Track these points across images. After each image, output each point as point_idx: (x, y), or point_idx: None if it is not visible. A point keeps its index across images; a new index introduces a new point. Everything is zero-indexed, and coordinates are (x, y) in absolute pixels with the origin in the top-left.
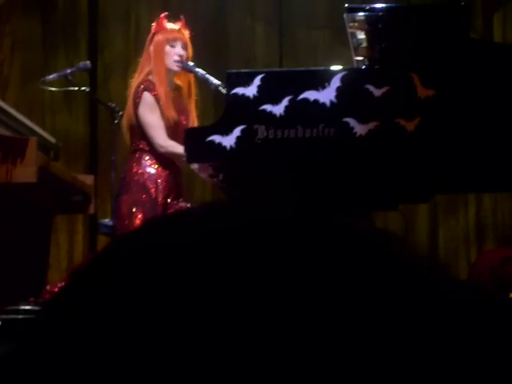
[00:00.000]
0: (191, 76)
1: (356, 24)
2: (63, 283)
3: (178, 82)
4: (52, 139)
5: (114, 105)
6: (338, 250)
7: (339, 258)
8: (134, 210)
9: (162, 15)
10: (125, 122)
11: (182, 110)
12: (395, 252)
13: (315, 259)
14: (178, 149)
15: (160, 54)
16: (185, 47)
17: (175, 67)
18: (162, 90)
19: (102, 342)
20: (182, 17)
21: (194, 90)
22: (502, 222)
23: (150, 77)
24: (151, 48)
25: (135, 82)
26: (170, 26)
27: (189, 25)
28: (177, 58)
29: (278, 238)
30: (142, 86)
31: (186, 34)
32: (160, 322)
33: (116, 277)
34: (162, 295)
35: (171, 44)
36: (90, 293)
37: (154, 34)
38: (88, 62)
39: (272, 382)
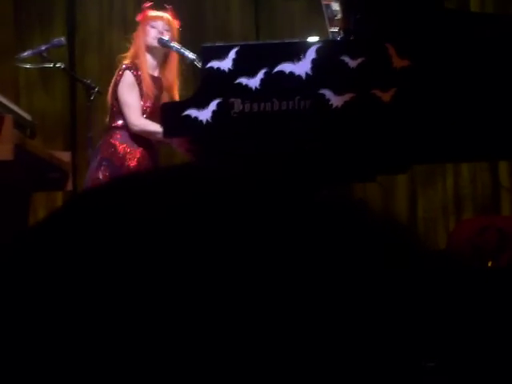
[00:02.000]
0: (174, 56)
1: None
2: None
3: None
4: (28, 117)
5: (89, 81)
6: (310, 227)
7: (312, 236)
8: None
9: (146, 5)
10: (108, 99)
11: (162, 88)
12: (367, 223)
13: (284, 236)
14: (152, 127)
15: (140, 35)
16: (168, 29)
17: (153, 43)
18: (144, 69)
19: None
20: (169, 7)
21: (175, 70)
22: (481, 193)
23: (134, 58)
24: (136, 33)
25: (119, 63)
26: (154, 13)
27: (171, 11)
28: (154, 34)
29: (241, 208)
30: (125, 65)
31: (173, 20)
32: (105, 287)
33: (73, 236)
34: (113, 257)
35: (152, 24)
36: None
37: (140, 20)
38: (62, 39)
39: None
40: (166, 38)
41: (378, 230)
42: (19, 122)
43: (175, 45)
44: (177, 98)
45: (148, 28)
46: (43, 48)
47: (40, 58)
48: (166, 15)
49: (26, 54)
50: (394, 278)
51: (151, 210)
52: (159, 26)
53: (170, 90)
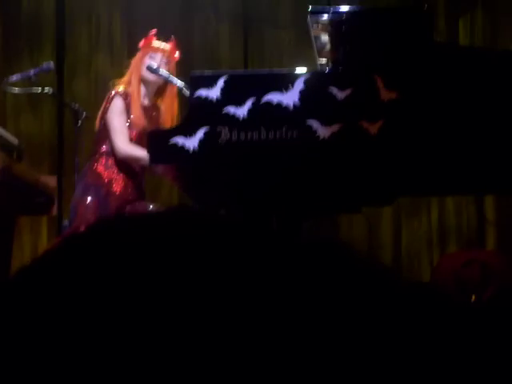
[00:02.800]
0: (169, 87)
1: (319, 26)
2: None
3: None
4: (15, 140)
5: (77, 106)
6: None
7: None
8: (87, 210)
9: (151, 33)
10: (96, 124)
11: (156, 119)
12: (346, 263)
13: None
14: (137, 152)
15: (137, 64)
16: (166, 61)
17: (148, 75)
18: (135, 99)
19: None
20: (172, 37)
21: (169, 101)
22: (466, 226)
23: (127, 86)
24: (133, 60)
25: (112, 89)
26: (157, 42)
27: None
28: (148, 66)
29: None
30: (115, 91)
31: (174, 53)
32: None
33: (61, 279)
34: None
35: (151, 55)
36: (33, 290)
37: (140, 49)
38: (51, 63)
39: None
40: (154, 65)
41: (359, 274)
42: (6, 146)
43: (163, 72)
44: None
45: (146, 58)
46: (32, 72)
47: (28, 82)
48: (167, 47)
49: (14, 78)
50: (374, 319)
51: (143, 252)
52: (158, 57)
53: (165, 122)
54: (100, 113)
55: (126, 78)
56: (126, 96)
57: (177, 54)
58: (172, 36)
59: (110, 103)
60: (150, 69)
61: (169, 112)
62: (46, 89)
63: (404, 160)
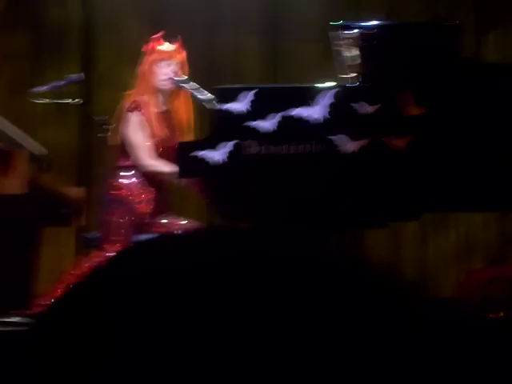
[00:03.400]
0: (182, 92)
1: (347, 41)
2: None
3: (171, 100)
4: (43, 151)
5: (104, 118)
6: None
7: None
8: (115, 224)
9: (156, 36)
10: (112, 139)
11: (173, 128)
12: (366, 277)
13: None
14: (162, 168)
15: (150, 73)
16: (177, 66)
17: (164, 86)
18: (150, 109)
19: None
20: (178, 36)
21: (184, 106)
22: (493, 242)
23: (139, 96)
24: (142, 68)
25: (127, 99)
26: (161, 46)
27: (181, 40)
28: (164, 77)
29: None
30: (130, 105)
31: (181, 54)
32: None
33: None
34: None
35: (161, 64)
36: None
37: (148, 54)
38: (81, 75)
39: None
40: (178, 78)
41: (377, 282)
42: (35, 156)
43: (188, 86)
44: (190, 131)
45: (157, 69)
46: (61, 83)
47: (57, 92)
48: (178, 53)
49: (43, 88)
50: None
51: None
52: (168, 64)
53: (181, 124)
54: (118, 127)
55: (138, 89)
56: (140, 108)
57: (184, 55)
58: (178, 36)
59: (126, 119)
60: (174, 83)
61: (185, 114)
62: (75, 100)
63: (431, 175)
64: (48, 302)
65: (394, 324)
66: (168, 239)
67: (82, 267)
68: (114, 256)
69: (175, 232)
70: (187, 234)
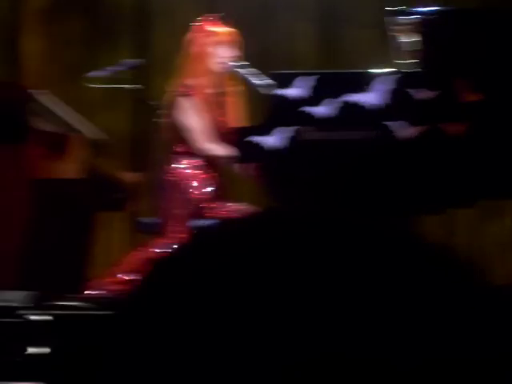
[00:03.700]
0: (236, 77)
1: (399, 27)
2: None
3: (224, 83)
4: (97, 136)
5: (157, 103)
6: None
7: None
8: (172, 209)
9: (208, 17)
10: (165, 123)
11: (224, 111)
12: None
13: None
14: (218, 151)
15: (203, 55)
16: (230, 49)
17: (219, 69)
18: (203, 92)
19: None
20: (228, 18)
21: (233, 88)
22: None
23: (192, 79)
24: (194, 49)
25: (176, 82)
26: (217, 28)
27: (234, 24)
28: (221, 60)
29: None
30: (181, 89)
31: (235, 37)
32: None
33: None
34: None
35: (215, 46)
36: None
37: (198, 35)
38: (137, 60)
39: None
40: (234, 63)
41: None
42: (88, 141)
43: (243, 70)
44: (235, 117)
45: (211, 50)
46: (116, 69)
47: (109, 78)
48: (231, 36)
49: (96, 73)
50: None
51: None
52: (223, 47)
53: (232, 108)
54: (170, 112)
55: (190, 72)
56: (193, 91)
57: (238, 39)
58: (228, 18)
59: (179, 101)
60: (230, 68)
61: (236, 99)
62: (128, 85)
63: (487, 162)
64: (103, 286)
65: (461, 298)
66: (228, 225)
67: (144, 252)
68: (181, 245)
69: (233, 217)
70: (247, 219)
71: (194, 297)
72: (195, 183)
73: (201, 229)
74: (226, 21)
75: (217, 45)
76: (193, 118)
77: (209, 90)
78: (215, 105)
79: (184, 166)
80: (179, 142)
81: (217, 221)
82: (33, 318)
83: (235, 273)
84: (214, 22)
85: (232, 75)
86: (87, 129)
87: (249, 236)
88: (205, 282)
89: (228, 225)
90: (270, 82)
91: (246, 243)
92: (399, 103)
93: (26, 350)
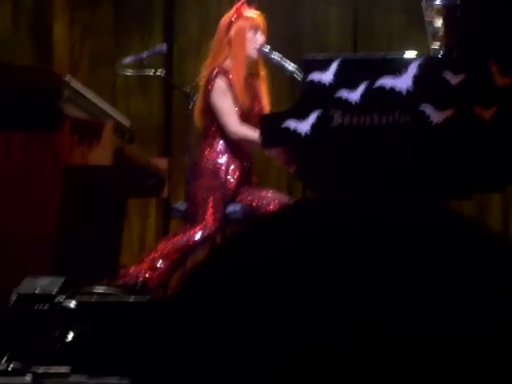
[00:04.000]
0: (260, 59)
1: (434, 11)
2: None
3: (257, 67)
4: (127, 123)
5: (188, 89)
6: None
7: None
8: (205, 195)
9: (241, 1)
10: (197, 107)
11: (255, 95)
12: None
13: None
14: (251, 135)
15: (242, 40)
16: (262, 33)
17: (254, 54)
18: (239, 76)
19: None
20: (256, 3)
21: (264, 74)
22: None
23: (227, 62)
24: (232, 33)
25: (209, 66)
26: (249, 12)
27: (263, 10)
28: (257, 45)
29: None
30: (215, 71)
31: (264, 22)
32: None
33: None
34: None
35: (253, 31)
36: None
37: (234, 19)
38: (164, 46)
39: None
40: (266, 48)
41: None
42: (119, 128)
43: (276, 56)
44: (267, 106)
45: (250, 35)
46: (145, 55)
47: (140, 64)
48: (261, 21)
49: (127, 60)
50: None
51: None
52: (258, 32)
53: (261, 93)
54: (201, 95)
55: (222, 54)
56: (226, 73)
57: (265, 23)
58: (255, 2)
59: (213, 85)
60: (262, 52)
61: (264, 81)
62: (159, 71)
63: None
64: (137, 273)
65: None
66: (265, 222)
67: (178, 239)
68: (223, 244)
69: (265, 207)
70: (284, 213)
71: (241, 296)
72: (228, 168)
73: (245, 226)
74: (255, 6)
75: (253, 29)
76: (226, 99)
77: (243, 74)
78: (249, 89)
79: (217, 151)
80: (212, 126)
81: (250, 207)
82: (67, 304)
83: (280, 271)
84: (246, 6)
85: (264, 60)
86: (115, 115)
87: (290, 231)
88: (251, 280)
89: (268, 220)
90: (295, 67)
91: (289, 239)
92: (428, 88)
93: (64, 337)
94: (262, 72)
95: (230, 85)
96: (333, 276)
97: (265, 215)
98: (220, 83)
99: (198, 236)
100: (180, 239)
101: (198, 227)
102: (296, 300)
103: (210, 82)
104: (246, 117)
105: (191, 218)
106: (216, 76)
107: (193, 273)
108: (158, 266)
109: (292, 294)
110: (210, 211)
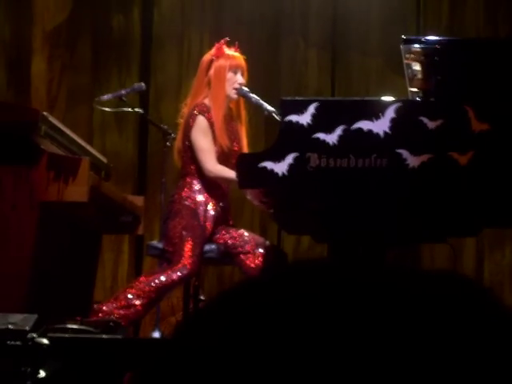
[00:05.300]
0: (241, 100)
1: (412, 55)
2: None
3: (230, 106)
4: (103, 159)
5: (165, 127)
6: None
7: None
8: (184, 234)
9: (222, 41)
10: (177, 146)
11: (235, 135)
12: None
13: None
14: (227, 173)
15: (222, 79)
16: (242, 74)
17: (234, 94)
18: (218, 115)
19: None
20: (236, 43)
21: (244, 115)
22: None
23: (206, 101)
24: (212, 73)
25: (189, 104)
26: (230, 52)
27: (241, 50)
28: (237, 85)
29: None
30: (196, 109)
31: (244, 62)
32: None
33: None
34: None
35: (233, 71)
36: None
37: (214, 59)
38: (143, 84)
39: None
40: (245, 89)
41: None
42: (95, 164)
43: (254, 96)
44: (245, 146)
45: (229, 75)
46: (123, 92)
47: (118, 101)
48: (241, 61)
49: (106, 97)
50: None
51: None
52: (238, 72)
53: (239, 133)
54: (181, 132)
55: (202, 93)
56: (207, 111)
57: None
58: (236, 43)
59: (193, 122)
60: (240, 92)
61: (243, 124)
62: (137, 109)
63: (492, 192)
64: (109, 309)
65: None
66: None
67: (152, 277)
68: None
69: (241, 246)
70: (273, 278)
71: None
72: (206, 208)
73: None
74: (235, 46)
75: (234, 69)
76: (205, 137)
77: (223, 113)
78: (229, 129)
79: (195, 190)
80: (191, 165)
81: (225, 247)
82: (40, 341)
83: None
84: (226, 46)
85: (242, 100)
86: (96, 152)
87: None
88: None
89: (252, 285)
90: (272, 109)
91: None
92: (405, 132)
93: (36, 374)
94: (243, 113)
95: (211, 123)
96: (325, 343)
97: (261, 275)
98: (201, 120)
99: (176, 275)
100: (159, 277)
101: (177, 266)
102: (288, 366)
103: (191, 118)
104: (225, 157)
105: (168, 257)
106: (198, 113)
107: (185, 324)
108: (134, 303)
109: (285, 357)
110: (188, 250)
